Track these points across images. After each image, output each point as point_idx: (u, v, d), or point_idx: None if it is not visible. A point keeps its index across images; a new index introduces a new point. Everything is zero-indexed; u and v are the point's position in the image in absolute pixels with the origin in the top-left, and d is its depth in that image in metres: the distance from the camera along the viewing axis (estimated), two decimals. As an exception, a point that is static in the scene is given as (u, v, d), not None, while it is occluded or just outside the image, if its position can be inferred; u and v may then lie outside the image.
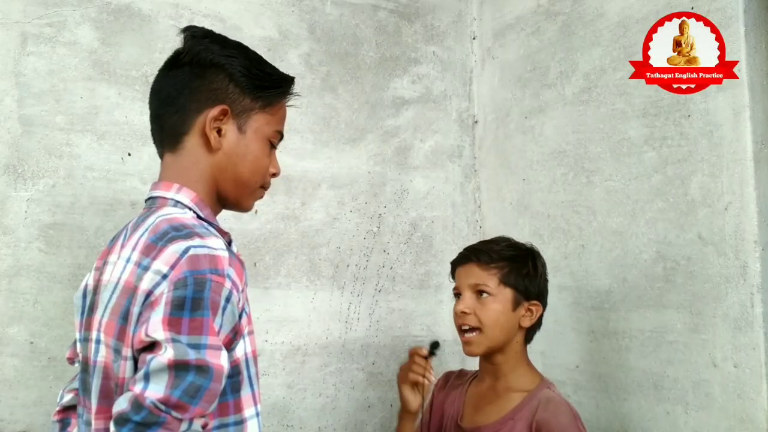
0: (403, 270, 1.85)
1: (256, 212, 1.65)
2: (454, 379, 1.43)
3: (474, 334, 1.29)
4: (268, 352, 1.64)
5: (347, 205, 1.79)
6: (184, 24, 1.60)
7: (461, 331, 1.31)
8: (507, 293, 1.29)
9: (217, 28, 1.62)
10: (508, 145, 1.86)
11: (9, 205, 1.40)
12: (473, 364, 1.43)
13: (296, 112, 1.74)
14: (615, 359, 1.48)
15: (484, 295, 1.29)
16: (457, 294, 1.34)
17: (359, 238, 1.79)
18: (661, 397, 1.37)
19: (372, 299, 1.80)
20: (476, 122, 2.00)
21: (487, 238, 1.45)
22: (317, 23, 1.79)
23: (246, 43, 1.65)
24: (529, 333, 1.34)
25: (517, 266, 1.31)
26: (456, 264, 1.38)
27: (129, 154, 1.51)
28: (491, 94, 1.94)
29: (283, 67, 1.72)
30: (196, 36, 1.00)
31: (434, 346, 1.32)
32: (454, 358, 1.77)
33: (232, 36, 1.63)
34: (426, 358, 1.32)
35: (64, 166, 1.45)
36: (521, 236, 1.46)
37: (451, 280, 1.41)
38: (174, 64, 1.00)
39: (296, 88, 1.70)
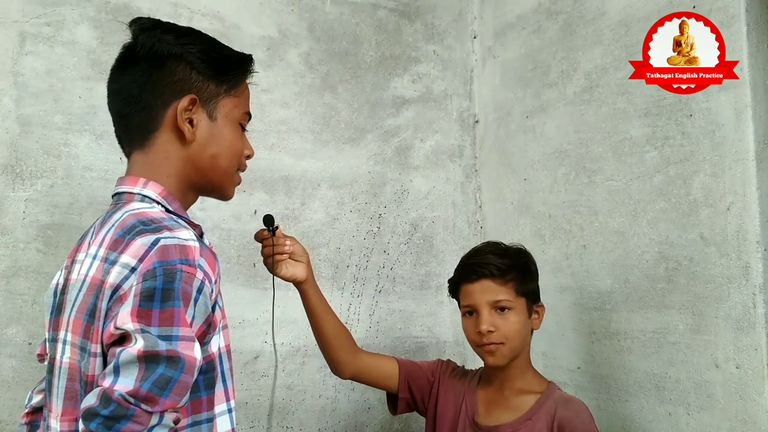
0: (403, 271, 1.84)
1: (255, 212, 1.64)
2: (461, 374, 1.41)
3: (497, 346, 1.27)
4: (268, 353, 1.63)
5: (347, 205, 1.78)
6: (184, 23, 1.60)
7: (481, 344, 1.28)
8: (522, 302, 1.29)
9: (216, 27, 1.63)
10: (509, 144, 1.85)
11: (7, 205, 1.40)
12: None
13: (296, 112, 1.74)
14: (616, 360, 1.47)
15: (505, 310, 1.27)
16: (470, 311, 1.31)
17: (359, 239, 1.79)
18: (663, 398, 1.36)
19: (372, 300, 1.79)
20: (477, 122, 1.99)
21: (486, 239, 1.44)
22: (317, 22, 1.78)
23: (245, 42, 1.67)
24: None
25: (523, 273, 1.31)
26: (464, 281, 1.33)
27: (128, 154, 1.51)
28: (492, 94, 1.93)
29: (283, 67, 1.74)
30: (145, 28, 0.95)
31: (268, 222, 1.23)
32: (455, 359, 1.76)
33: (232, 35, 1.65)
34: (272, 232, 1.22)
35: (63, 166, 1.45)
36: (522, 236, 1.46)
37: (449, 295, 1.39)
38: (128, 60, 0.96)
39: (296, 87, 1.73)
